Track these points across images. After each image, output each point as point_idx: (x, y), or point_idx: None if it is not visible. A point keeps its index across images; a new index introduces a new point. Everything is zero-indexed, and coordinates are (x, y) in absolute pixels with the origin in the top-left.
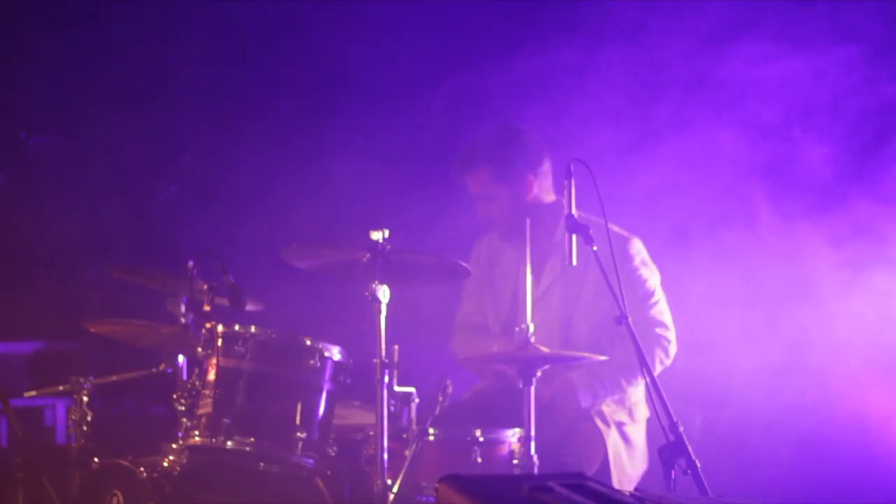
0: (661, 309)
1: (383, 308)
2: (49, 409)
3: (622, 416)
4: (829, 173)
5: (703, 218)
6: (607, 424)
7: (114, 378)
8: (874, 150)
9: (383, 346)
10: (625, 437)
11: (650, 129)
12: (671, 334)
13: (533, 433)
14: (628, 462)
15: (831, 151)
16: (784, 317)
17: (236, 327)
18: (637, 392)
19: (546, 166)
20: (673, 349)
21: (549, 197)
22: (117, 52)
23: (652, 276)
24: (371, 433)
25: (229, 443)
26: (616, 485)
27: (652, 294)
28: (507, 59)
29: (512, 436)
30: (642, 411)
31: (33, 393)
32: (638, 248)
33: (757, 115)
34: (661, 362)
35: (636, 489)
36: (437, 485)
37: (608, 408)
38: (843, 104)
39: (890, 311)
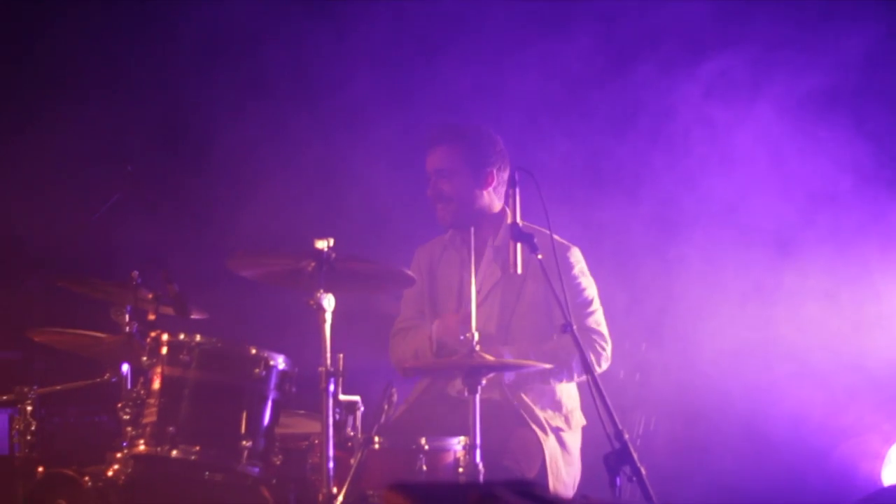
0: (598, 319)
1: (328, 316)
2: None
3: (559, 423)
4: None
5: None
6: (545, 431)
7: (58, 388)
8: None
9: (328, 354)
10: (562, 443)
11: None
12: (607, 345)
13: (478, 441)
14: (564, 468)
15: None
16: (733, 322)
17: (181, 336)
18: (572, 398)
19: (506, 175)
20: (606, 361)
21: (497, 206)
22: (61, 55)
23: (590, 286)
24: (316, 442)
25: (174, 452)
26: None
27: (590, 303)
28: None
29: (457, 444)
30: (578, 419)
31: None
32: (577, 258)
33: None
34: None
35: (583, 495)
36: (384, 492)
37: (544, 413)
38: None
39: (831, 318)
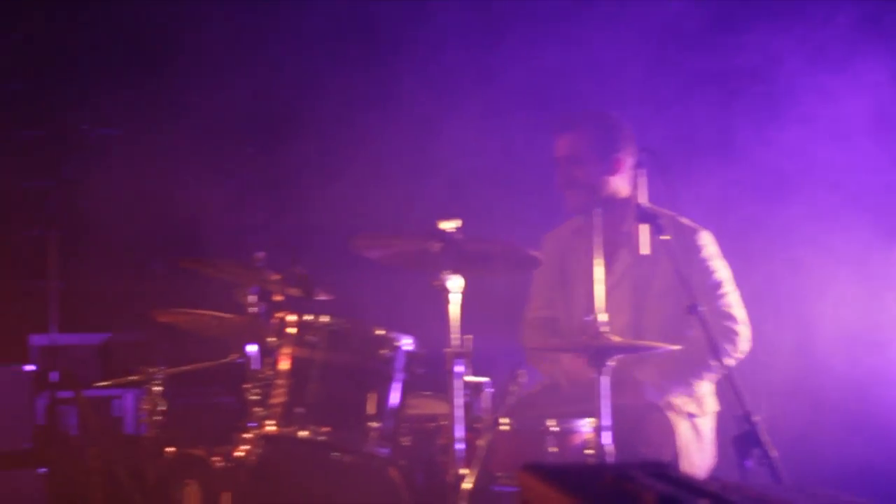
0: (730, 301)
1: (455, 298)
2: (117, 400)
3: (692, 408)
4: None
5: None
6: (678, 415)
7: (184, 368)
8: None
9: (455, 335)
10: (695, 428)
11: None
12: (741, 328)
13: (607, 423)
14: (697, 454)
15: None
16: (857, 303)
17: (308, 317)
18: (705, 384)
19: (633, 161)
20: (743, 343)
21: (624, 191)
22: (179, 45)
23: (721, 269)
24: (444, 423)
25: (303, 432)
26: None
27: (720, 285)
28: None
29: (585, 425)
30: (710, 404)
31: (107, 383)
32: (707, 240)
33: None
34: (729, 355)
35: (716, 478)
36: (518, 472)
37: (678, 399)
38: None
39: None
